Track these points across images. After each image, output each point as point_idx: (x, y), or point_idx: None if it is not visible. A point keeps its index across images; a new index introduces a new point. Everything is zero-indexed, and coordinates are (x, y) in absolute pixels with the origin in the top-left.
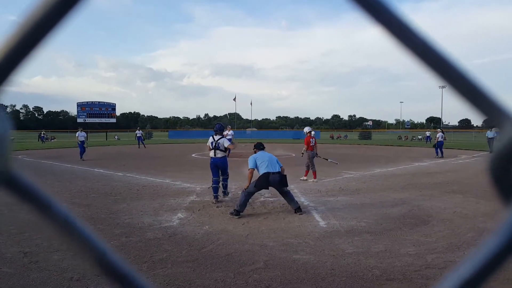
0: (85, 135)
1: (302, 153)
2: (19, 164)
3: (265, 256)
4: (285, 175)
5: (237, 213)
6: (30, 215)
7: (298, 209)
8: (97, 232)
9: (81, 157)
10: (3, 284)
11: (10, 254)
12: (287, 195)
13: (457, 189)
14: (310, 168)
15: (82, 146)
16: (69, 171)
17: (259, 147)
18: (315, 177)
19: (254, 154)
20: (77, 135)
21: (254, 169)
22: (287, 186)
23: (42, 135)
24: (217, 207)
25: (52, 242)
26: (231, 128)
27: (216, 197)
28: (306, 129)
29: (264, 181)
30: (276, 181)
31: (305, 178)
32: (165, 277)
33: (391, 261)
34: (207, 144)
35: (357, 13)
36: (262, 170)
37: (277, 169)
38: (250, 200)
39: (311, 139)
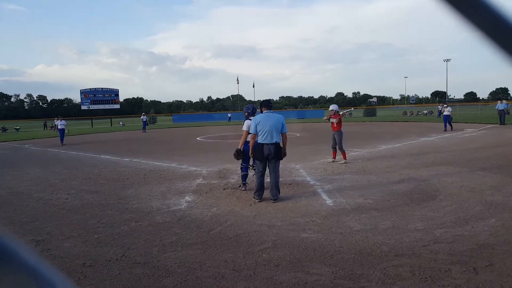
0: (65, 123)
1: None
2: (27, 153)
3: (273, 236)
4: (281, 147)
5: (258, 196)
6: (39, 204)
7: (274, 200)
8: (102, 222)
9: (62, 142)
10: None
11: (23, 243)
12: (272, 173)
13: (464, 163)
14: (339, 148)
15: (62, 132)
16: (76, 158)
17: (267, 105)
18: (334, 157)
19: (257, 116)
20: (56, 123)
21: (255, 135)
22: (281, 158)
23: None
24: (224, 189)
25: (63, 229)
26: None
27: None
28: (335, 107)
29: (259, 153)
30: (270, 152)
31: (335, 159)
32: (176, 259)
33: (399, 237)
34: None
35: None
36: (259, 139)
37: (274, 140)
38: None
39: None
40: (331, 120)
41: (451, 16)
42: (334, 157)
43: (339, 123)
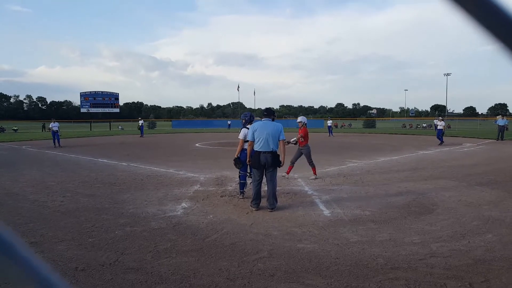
0: (58, 125)
1: (295, 143)
2: (24, 154)
3: (269, 245)
4: (278, 155)
5: (255, 205)
6: (34, 206)
7: (271, 209)
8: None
9: (58, 144)
10: None
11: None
12: (270, 182)
13: (462, 178)
14: (309, 163)
15: (57, 135)
16: (73, 161)
17: (266, 114)
18: (288, 172)
19: (255, 124)
20: (50, 126)
21: (252, 142)
22: (279, 166)
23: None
24: (221, 196)
25: (57, 232)
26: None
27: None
28: (303, 119)
29: (256, 161)
30: (267, 161)
31: (288, 175)
32: (170, 266)
33: (396, 249)
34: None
35: None
36: (256, 147)
37: (270, 148)
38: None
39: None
40: (299, 137)
41: (460, 17)
42: (288, 173)
43: (306, 137)
